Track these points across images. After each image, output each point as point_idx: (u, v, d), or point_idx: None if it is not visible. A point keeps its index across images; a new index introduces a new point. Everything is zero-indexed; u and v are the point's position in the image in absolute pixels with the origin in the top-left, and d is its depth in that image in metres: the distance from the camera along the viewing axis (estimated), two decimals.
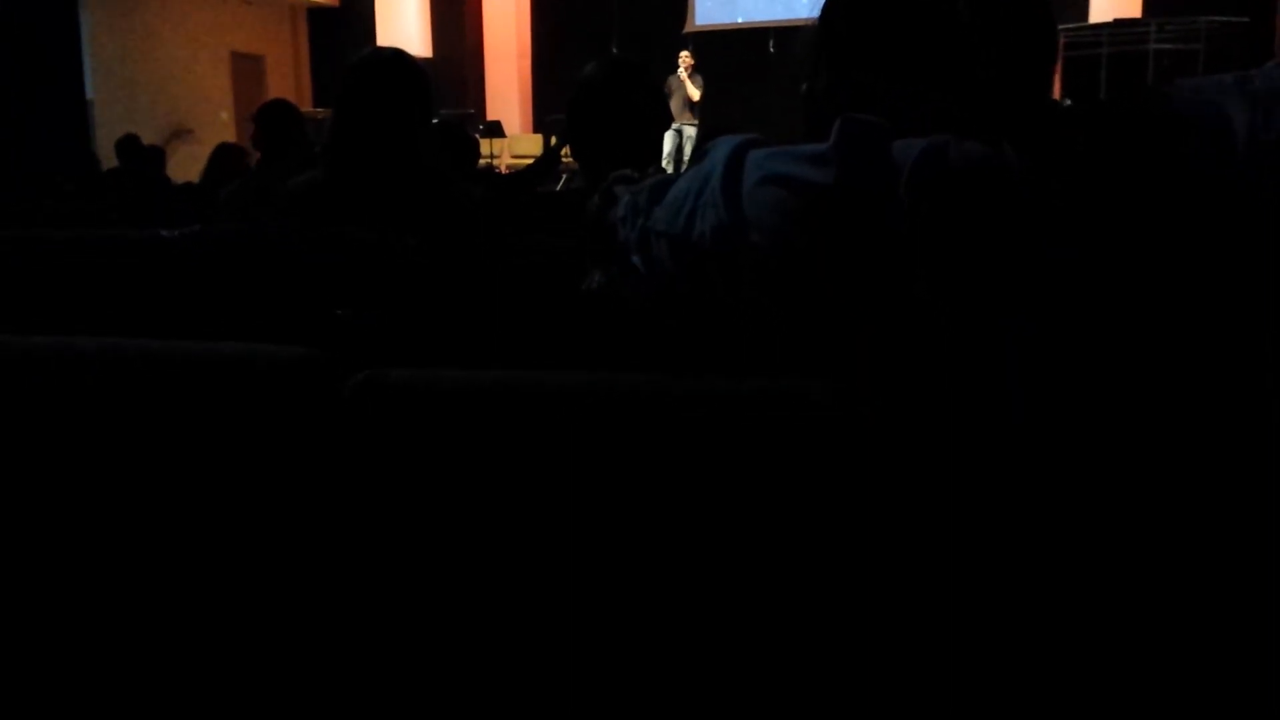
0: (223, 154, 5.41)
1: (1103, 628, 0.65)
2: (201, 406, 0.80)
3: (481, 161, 6.52)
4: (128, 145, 6.74)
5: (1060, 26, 1.21)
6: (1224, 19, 8.98)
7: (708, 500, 0.68)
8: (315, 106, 12.83)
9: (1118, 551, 0.66)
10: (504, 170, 9.86)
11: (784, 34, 11.94)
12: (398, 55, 2.21)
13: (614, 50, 12.19)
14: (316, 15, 14.34)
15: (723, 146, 0.82)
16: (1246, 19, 8.88)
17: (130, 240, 1.90)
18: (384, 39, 12.30)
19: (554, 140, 3.95)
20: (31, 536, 0.82)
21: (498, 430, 0.71)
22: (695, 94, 10.49)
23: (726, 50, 12.32)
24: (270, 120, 3.86)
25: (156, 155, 6.83)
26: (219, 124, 12.32)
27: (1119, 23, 9.63)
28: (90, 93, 10.12)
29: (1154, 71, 8.96)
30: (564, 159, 4.18)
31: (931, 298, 0.73)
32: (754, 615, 0.69)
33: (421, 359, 0.86)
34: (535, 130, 13.14)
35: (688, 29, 12.92)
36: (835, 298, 0.75)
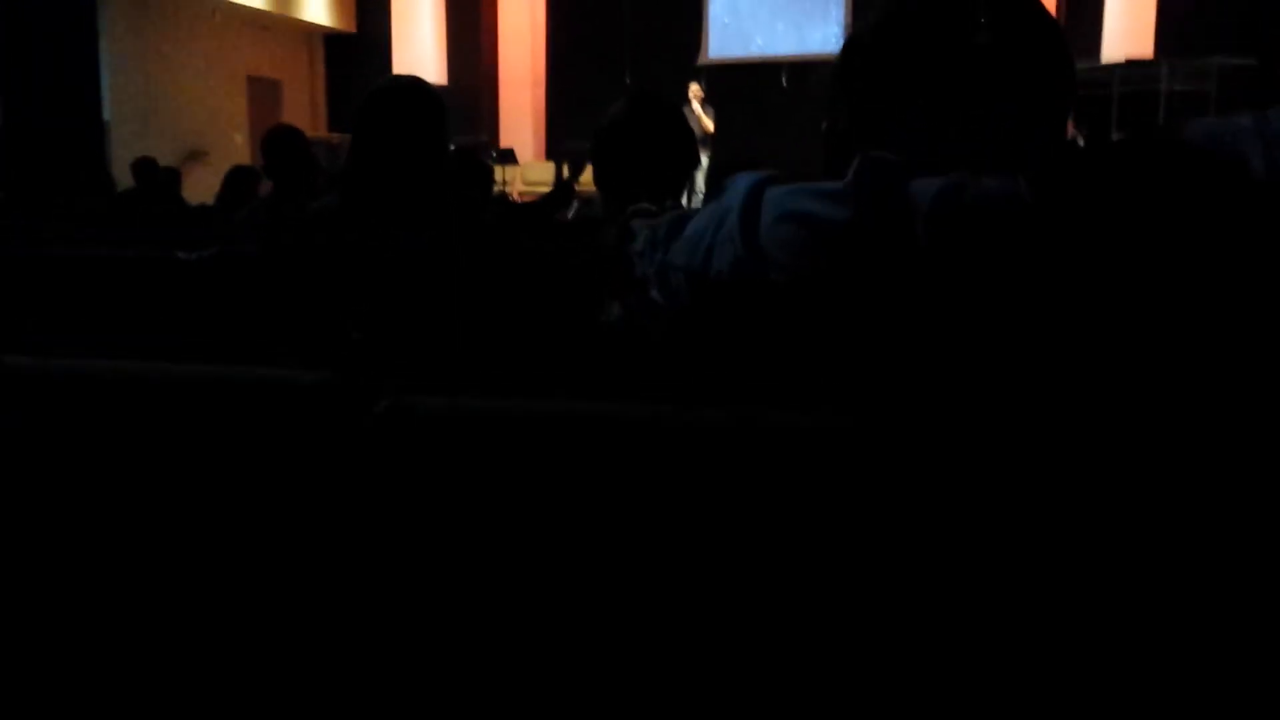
0: (237, 176, 5.46)
1: (1114, 632, 0.65)
2: (221, 432, 0.80)
3: (495, 188, 6.56)
4: (144, 167, 6.79)
5: None
6: (1235, 60, 9.02)
7: (729, 531, 0.69)
8: (331, 131, 12.92)
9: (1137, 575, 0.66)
10: (516, 198, 9.90)
11: (797, 69, 12.00)
12: (415, 83, 2.24)
13: (628, 80, 12.28)
14: (333, 41, 14.47)
15: (740, 183, 0.83)
16: (1256, 61, 8.92)
17: (148, 261, 1.93)
18: (399, 65, 12.41)
19: (566, 170, 3.97)
20: (41, 558, 0.83)
21: (523, 458, 0.71)
22: (709, 125, 10.55)
23: (739, 82, 12.39)
24: (277, 147, 3.88)
25: (172, 177, 6.88)
26: (234, 147, 12.41)
27: (1131, 63, 9.68)
28: (107, 115, 10.21)
29: (1165, 111, 9.00)
30: (577, 186, 4.20)
31: (947, 334, 0.74)
32: (773, 647, 0.69)
33: (439, 381, 0.86)
34: (548, 158, 13.20)
35: (701, 61, 13.00)
36: (852, 333, 0.76)
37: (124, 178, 6.82)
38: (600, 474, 0.70)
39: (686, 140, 2.15)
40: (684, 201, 2.10)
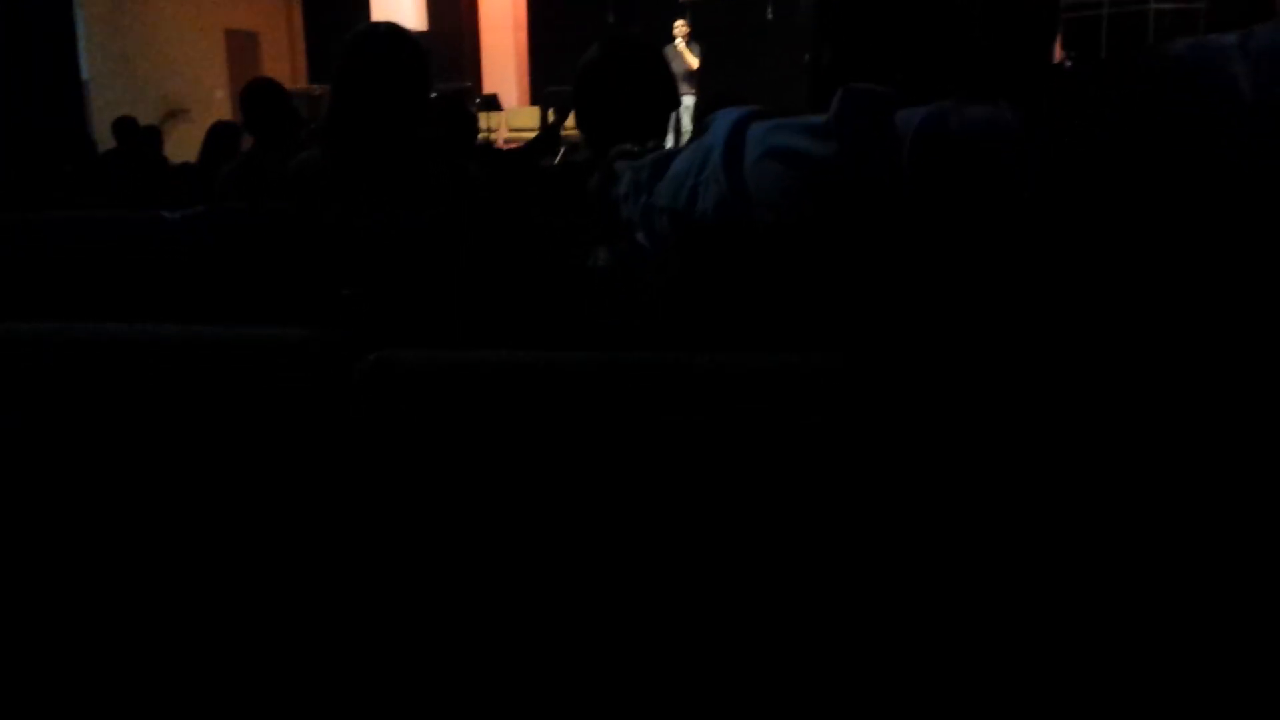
0: (218, 132, 5.40)
1: (1108, 624, 0.66)
2: (211, 391, 0.80)
3: (479, 136, 6.50)
4: (124, 126, 6.71)
5: None
6: None
7: (718, 475, 0.69)
8: (311, 82, 12.76)
9: (1120, 542, 0.66)
10: (501, 145, 9.80)
11: (782, 1, 11.82)
12: (393, 30, 2.20)
13: (610, 19, 12.12)
14: None
15: (723, 120, 0.82)
16: None
17: (132, 222, 1.90)
18: (379, 13, 12.20)
19: (551, 115, 3.94)
20: (38, 525, 0.83)
21: (509, 411, 0.71)
22: (694, 62, 10.43)
23: (724, 18, 12.21)
24: (256, 101, 3.84)
25: (153, 135, 6.81)
26: (214, 102, 12.26)
27: None
28: (85, 73, 10.07)
29: (1154, 31, 8.89)
30: (563, 131, 4.16)
31: (935, 265, 0.73)
32: (772, 592, 0.69)
33: (428, 336, 0.86)
34: (533, 102, 13.05)
35: None
36: (838, 270, 0.75)
37: (104, 138, 6.75)
38: (586, 422, 0.70)
39: (664, 79, 2.13)
40: (669, 142, 2.09)
